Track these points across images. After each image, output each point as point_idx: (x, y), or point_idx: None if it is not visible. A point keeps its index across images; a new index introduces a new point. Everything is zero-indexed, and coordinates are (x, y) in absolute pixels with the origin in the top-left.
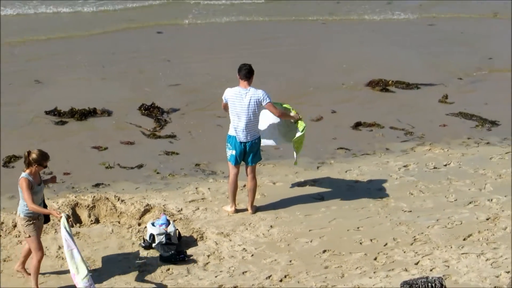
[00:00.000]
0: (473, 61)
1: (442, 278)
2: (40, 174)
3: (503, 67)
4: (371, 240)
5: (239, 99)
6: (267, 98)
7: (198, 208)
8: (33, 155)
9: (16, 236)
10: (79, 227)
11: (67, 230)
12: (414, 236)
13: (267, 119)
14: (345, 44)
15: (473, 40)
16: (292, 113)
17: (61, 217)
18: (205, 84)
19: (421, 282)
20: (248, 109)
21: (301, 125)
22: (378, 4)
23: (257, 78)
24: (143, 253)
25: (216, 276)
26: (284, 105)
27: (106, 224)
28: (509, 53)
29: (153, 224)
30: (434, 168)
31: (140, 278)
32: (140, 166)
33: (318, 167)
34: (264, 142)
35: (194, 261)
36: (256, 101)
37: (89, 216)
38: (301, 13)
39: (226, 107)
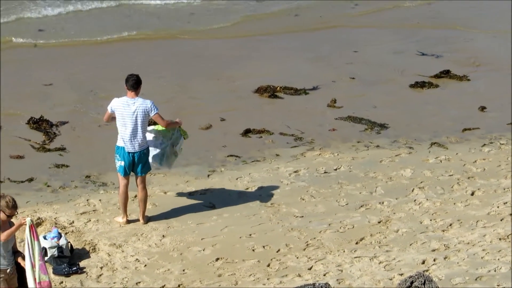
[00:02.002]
0: (361, 64)
1: (328, 284)
2: None
3: (391, 71)
4: (263, 246)
5: (127, 109)
6: (155, 109)
7: (90, 220)
8: None
9: None
10: None
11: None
12: (307, 241)
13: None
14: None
15: (360, 43)
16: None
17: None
18: (94, 95)
19: None
20: (136, 120)
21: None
22: None
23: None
24: None
25: None
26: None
27: None
28: (396, 59)
29: (44, 238)
30: (325, 172)
31: None
32: (30, 180)
33: (208, 175)
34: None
35: (87, 273)
36: (144, 112)
37: None
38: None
39: (108, 117)
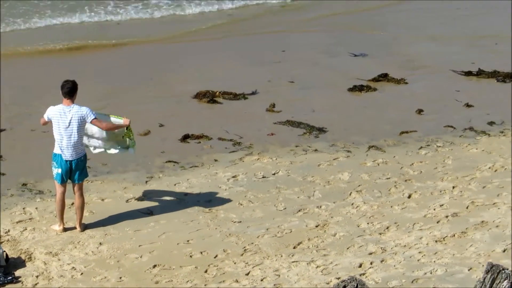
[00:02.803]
0: (301, 68)
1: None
2: None
3: (330, 75)
4: (201, 252)
5: (63, 117)
6: (92, 115)
7: (26, 229)
8: None
9: None
10: None
11: None
12: (244, 247)
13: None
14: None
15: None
16: (121, 121)
17: None
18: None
19: None
20: (72, 127)
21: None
22: None
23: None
24: None
25: None
26: (112, 116)
27: None
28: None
29: None
30: (263, 177)
31: None
32: None
33: (146, 182)
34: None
35: (23, 283)
36: (80, 119)
37: None
38: None
39: (44, 124)
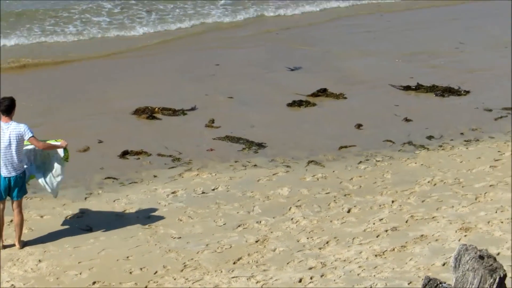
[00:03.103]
0: (240, 84)
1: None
2: None
3: (268, 90)
4: (141, 269)
5: (1, 134)
6: (29, 132)
7: None
8: None
9: None
10: None
11: None
12: (184, 263)
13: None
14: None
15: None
16: (58, 142)
17: None
18: None
19: None
20: (10, 144)
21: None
22: None
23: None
24: None
25: None
26: (49, 141)
27: None
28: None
29: None
30: (203, 193)
31: None
32: None
33: (86, 198)
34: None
35: None
36: (18, 135)
37: None
38: None
39: None
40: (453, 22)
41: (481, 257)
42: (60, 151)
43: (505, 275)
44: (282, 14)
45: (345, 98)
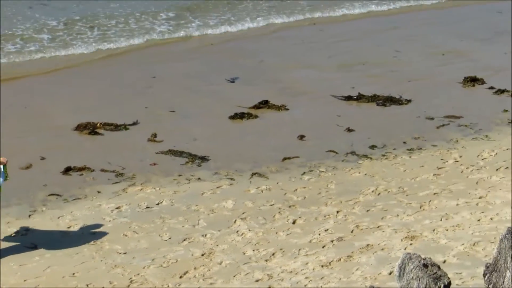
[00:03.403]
0: (181, 97)
1: None
2: None
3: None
4: (87, 285)
5: None
6: None
7: None
8: None
9: None
10: None
11: None
12: (130, 278)
13: None
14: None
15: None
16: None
17: None
18: None
19: None
20: None
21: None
22: None
23: None
24: None
25: None
26: None
27: None
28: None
29: None
30: (147, 207)
31: None
32: None
33: (30, 215)
34: None
35: None
36: None
37: None
38: None
39: None
40: (391, 31)
41: (425, 266)
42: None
43: (449, 283)
44: (224, 31)
45: (287, 109)
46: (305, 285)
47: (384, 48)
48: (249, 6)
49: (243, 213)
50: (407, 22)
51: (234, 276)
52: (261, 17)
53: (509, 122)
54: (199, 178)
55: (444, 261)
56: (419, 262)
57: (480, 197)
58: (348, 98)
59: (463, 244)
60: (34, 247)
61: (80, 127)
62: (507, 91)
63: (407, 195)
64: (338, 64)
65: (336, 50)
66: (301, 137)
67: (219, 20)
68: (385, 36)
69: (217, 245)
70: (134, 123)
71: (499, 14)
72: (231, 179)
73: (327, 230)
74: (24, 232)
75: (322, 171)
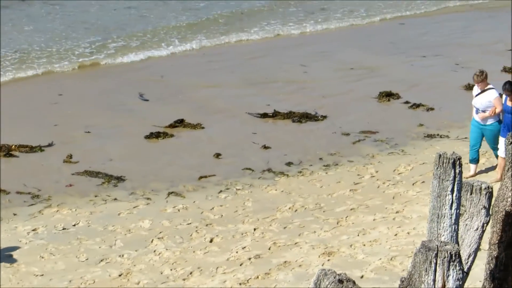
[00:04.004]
0: (95, 117)
1: None
2: None
3: (125, 123)
4: None
5: None
6: None
7: None
8: None
9: None
10: None
11: None
12: None
13: None
14: None
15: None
16: None
17: None
18: None
19: None
20: None
21: None
22: None
23: None
24: None
25: None
26: None
27: None
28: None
29: None
30: (64, 229)
31: None
32: None
33: None
34: None
35: None
36: None
37: None
38: None
39: None
40: (299, 48)
41: (340, 281)
42: None
43: None
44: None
45: (203, 128)
46: None
47: (293, 65)
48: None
49: (160, 232)
50: (315, 41)
51: None
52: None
53: (424, 136)
54: (115, 199)
55: (362, 276)
56: (334, 278)
57: (397, 212)
58: (264, 115)
59: (380, 259)
60: None
61: None
62: (423, 105)
63: (324, 211)
64: (251, 81)
65: (248, 68)
66: (217, 155)
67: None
68: (293, 53)
69: (135, 265)
70: (49, 145)
71: (404, 28)
72: (148, 198)
73: (244, 247)
74: None
75: (239, 189)
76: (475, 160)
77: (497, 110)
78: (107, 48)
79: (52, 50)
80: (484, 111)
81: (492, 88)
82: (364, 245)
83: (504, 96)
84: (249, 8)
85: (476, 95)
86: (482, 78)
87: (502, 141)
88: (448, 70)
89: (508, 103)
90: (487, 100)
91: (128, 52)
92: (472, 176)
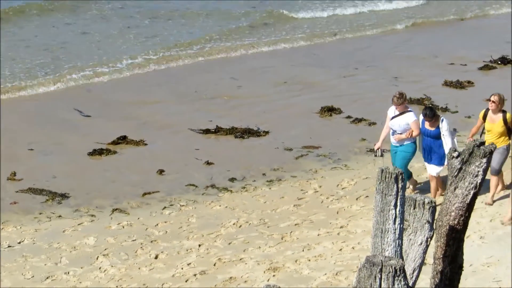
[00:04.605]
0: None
1: None
2: None
3: (68, 140)
4: None
5: None
6: None
7: None
8: None
9: None
10: None
11: None
12: None
13: None
14: None
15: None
16: None
17: None
18: None
19: None
20: None
21: None
22: None
23: None
24: None
25: None
26: None
27: None
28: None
29: None
30: (9, 246)
31: None
32: None
33: None
34: None
35: None
36: None
37: None
38: None
39: None
40: (230, 64)
41: None
42: None
43: None
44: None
45: (146, 144)
46: None
47: (233, 81)
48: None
49: (105, 249)
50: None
51: None
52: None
53: (367, 151)
54: (60, 216)
55: None
56: None
57: (341, 227)
58: (206, 131)
59: (325, 274)
60: None
61: None
62: (364, 119)
63: (268, 227)
64: (193, 98)
65: (189, 85)
66: (161, 171)
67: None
68: (227, 69)
69: (80, 282)
70: None
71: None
72: (92, 215)
73: (189, 264)
74: None
75: (183, 205)
76: (407, 177)
77: (414, 134)
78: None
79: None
80: (401, 133)
81: (411, 111)
82: (309, 260)
83: (421, 119)
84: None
85: (393, 117)
86: (402, 100)
87: (428, 165)
88: (388, 84)
89: (427, 127)
90: (405, 123)
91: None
92: (412, 191)
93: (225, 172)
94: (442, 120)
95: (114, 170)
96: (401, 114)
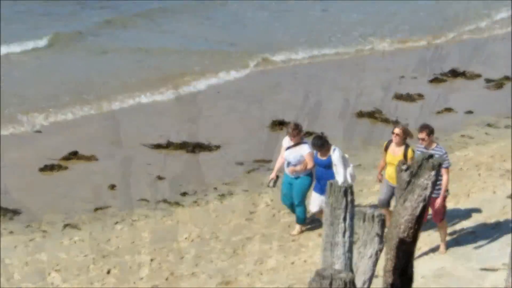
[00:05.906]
0: None
1: None
2: None
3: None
4: None
5: None
6: None
7: None
8: None
9: None
10: None
11: None
12: None
13: None
14: None
15: None
16: None
17: None
18: None
19: None
20: None
21: None
22: None
23: None
24: None
25: None
26: None
27: None
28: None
29: None
30: None
31: None
32: None
33: None
34: None
35: None
36: None
37: None
38: None
39: None
40: None
41: None
42: None
43: None
44: None
45: (97, 159)
46: None
47: None
48: None
49: (57, 264)
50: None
51: None
52: None
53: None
54: (11, 232)
55: None
56: None
57: (293, 240)
58: (158, 146)
59: (278, 287)
60: None
61: None
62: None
63: (220, 241)
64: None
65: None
66: (112, 186)
67: None
68: None
69: None
70: None
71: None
72: (44, 231)
73: (142, 278)
74: None
75: (135, 220)
76: (302, 220)
77: (309, 166)
78: None
79: None
80: (295, 165)
81: (305, 143)
82: (261, 274)
83: (314, 151)
84: None
85: (288, 148)
86: (297, 132)
87: (314, 196)
88: (337, 95)
89: (318, 156)
90: (299, 154)
91: None
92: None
93: (177, 187)
94: (334, 150)
95: (65, 185)
96: (295, 145)
